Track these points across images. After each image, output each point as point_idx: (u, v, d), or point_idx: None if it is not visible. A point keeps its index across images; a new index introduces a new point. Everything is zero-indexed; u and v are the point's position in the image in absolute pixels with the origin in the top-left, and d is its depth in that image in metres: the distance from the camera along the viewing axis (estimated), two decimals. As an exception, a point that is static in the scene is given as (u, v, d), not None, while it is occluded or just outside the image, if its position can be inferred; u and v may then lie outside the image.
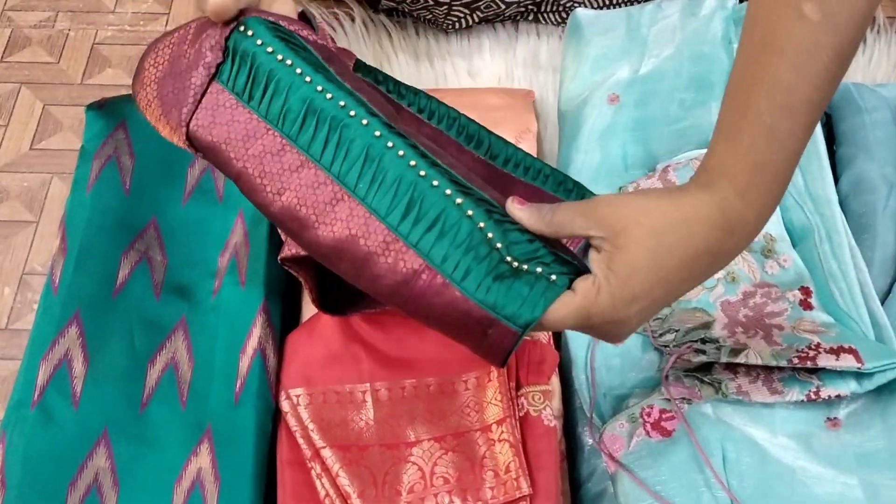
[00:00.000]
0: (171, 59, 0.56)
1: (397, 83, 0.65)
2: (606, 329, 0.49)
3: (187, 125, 0.53)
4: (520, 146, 0.79)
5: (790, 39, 0.46)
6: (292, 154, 0.51)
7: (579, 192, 0.69)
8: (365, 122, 0.51)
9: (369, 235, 0.49)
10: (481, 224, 0.48)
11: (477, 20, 0.92)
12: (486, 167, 0.67)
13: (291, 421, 0.67)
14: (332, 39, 0.63)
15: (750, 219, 0.48)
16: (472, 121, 0.66)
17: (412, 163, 0.50)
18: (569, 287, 0.48)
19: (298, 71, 0.52)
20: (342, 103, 0.51)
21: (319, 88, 0.51)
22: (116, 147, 0.79)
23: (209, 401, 0.68)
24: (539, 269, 0.48)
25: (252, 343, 0.69)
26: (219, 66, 0.53)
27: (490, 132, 0.66)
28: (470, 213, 0.49)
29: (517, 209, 0.49)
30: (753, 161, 0.47)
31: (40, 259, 0.85)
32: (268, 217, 0.53)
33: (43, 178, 0.89)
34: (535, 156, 0.77)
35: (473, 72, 0.92)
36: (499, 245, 0.48)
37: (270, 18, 0.54)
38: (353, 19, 0.93)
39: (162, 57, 0.56)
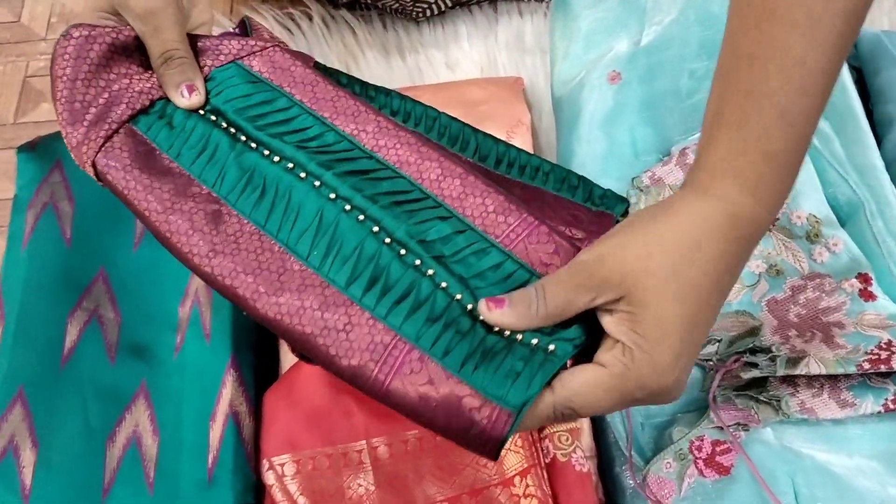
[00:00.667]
0: (97, 62, 0.49)
1: (365, 85, 0.56)
2: (654, 400, 0.39)
3: (95, 154, 0.48)
4: (512, 142, 0.69)
5: (798, 5, 0.39)
6: (229, 217, 0.46)
7: (586, 189, 0.58)
8: (317, 183, 0.46)
9: (328, 308, 0.42)
10: (458, 296, 0.42)
11: (450, 5, 0.81)
12: (475, 168, 0.57)
13: (278, 495, 0.57)
14: (282, 44, 0.53)
15: (763, 218, 0.41)
16: (454, 119, 0.56)
17: (375, 229, 0.44)
18: (581, 357, 0.39)
19: (232, 130, 0.48)
20: (290, 165, 0.47)
21: (266, 153, 0.47)
22: (53, 192, 0.69)
23: (180, 480, 0.58)
24: (535, 340, 0.39)
25: (223, 407, 0.59)
26: (144, 110, 0.49)
27: (476, 130, 0.56)
28: (444, 284, 0.42)
29: (496, 315, 0.40)
30: (764, 151, 0.40)
31: (-20, 328, 0.75)
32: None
33: (-22, 235, 0.79)
34: (531, 151, 0.67)
35: (452, 63, 0.81)
36: (470, 306, 0.42)
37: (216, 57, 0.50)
38: (310, 18, 0.83)
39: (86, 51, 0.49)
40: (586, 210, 0.56)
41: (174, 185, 0.46)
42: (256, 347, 0.64)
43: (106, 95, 0.49)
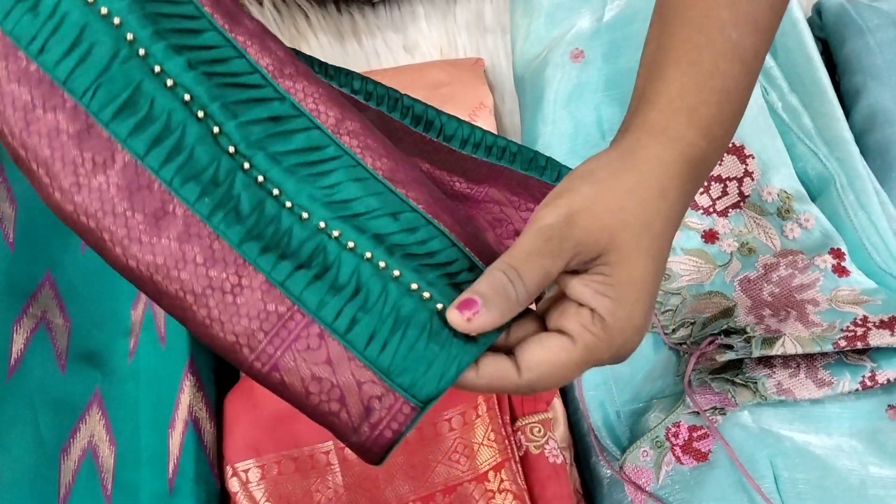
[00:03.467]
0: None
1: (323, 64, 0.52)
2: (619, 359, 0.37)
3: None
4: (476, 124, 0.66)
5: None
6: (100, 140, 0.37)
7: (553, 169, 0.56)
8: (216, 129, 0.38)
9: (215, 264, 0.36)
10: (368, 255, 0.37)
11: (406, -15, 0.78)
12: (438, 148, 0.55)
13: (244, 503, 0.55)
14: None
15: (713, 158, 0.39)
16: (417, 100, 0.53)
17: (275, 192, 0.38)
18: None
19: (118, 24, 0.37)
20: (187, 98, 0.38)
21: (157, 70, 0.38)
22: (-8, 194, 0.66)
23: (139, 492, 0.56)
24: (443, 308, 0.35)
25: (181, 414, 0.57)
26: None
27: (440, 112, 0.53)
28: (351, 245, 0.37)
29: (476, 321, 0.34)
30: (717, 88, 0.38)
31: (-77, 339, 0.71)
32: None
33: (-85, 242, 0.75)
34: (496, 133, 0.65)
35: (410, 45, 0.78)
36: (396, 273, 0.37)
37: None
38: (260, 2, 0.80)
39: None
40: (543, 184, 0.54)
41: (32, 91, 0.37)
42: (215, 349, 0.62)
43: None
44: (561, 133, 0.68)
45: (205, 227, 0.37)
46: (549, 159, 0.54)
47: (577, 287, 0.35)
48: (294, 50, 0.51)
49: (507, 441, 0.55)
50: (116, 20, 0.37)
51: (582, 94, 0.69)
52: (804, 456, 0.51)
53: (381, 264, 0.37)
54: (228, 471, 0.56)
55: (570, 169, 0.52)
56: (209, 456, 0.56)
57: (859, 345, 0.51)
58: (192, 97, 0.38)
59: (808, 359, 0.54)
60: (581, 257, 0.35)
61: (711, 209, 0.61)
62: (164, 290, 0.37)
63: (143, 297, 0.62)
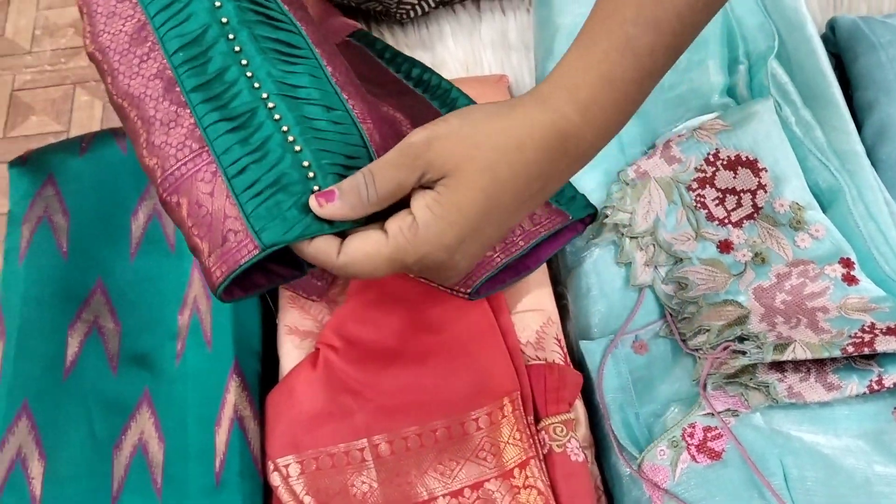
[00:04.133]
0: None
1: (395, 52, 0.68)
2: (428, 275, 0.43)
3: None
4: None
5: None
6: (129, 4, 0.49)
7: (567, 188, 0.62)
8: (217, 4, 0.48)
9: (161, 100, 0.47)
10: (284, 128, 0.46)
11: (433, 5, 0.82)
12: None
13: (284, 496, 0.59)
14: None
15: (588, 138, 0.43)
16: (464, 95, 0.66)
17: (243, 62, 0.47)
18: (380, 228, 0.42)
19: None
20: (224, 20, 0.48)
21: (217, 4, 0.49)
22: (47, 206, 0.70)
23: (187, 486, 0.59)
24: (319, 189, 0.43)
25: (227, 412, 0.60)
26: None
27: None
28: (277, 117, 0.46)
29: (328, 209, 0.42)
30: (602, 73, 0.42)
31: (-19, 342, 0.76)
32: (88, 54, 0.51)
33: (-26, 251, 0.80)
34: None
35: (437, 63, 0.82)
36: (298, 149, 0.45)
37: None
38: (295, 23, 0.83)
39: None
40: (545, 205, 0.59)
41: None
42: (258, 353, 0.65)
43: None
44: (582, 147, 0.71)
45: (171, 74, 0.47)
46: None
47: (414, 197, 0.41)
48: (372, 37, 0.68)
49: (531, 440, 0.58)
50: None
51: (602, 109, 0.72)
52: (813, 455, 0.54)
53: (290, 138, 0.45)
54: (270, 466, 0.59)
55: (575, 189, 0.57)
56: (253, 452, 0.60)
57: (867, 350, 0.54)
58: None
59: (818, 364, 0.56)
60: (429, 176, 0.40)
61: (726, 220, 0.64)
62: (126, 115, 0.48)
63: (189, 303, 0.66)
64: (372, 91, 0.64)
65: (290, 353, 0.64)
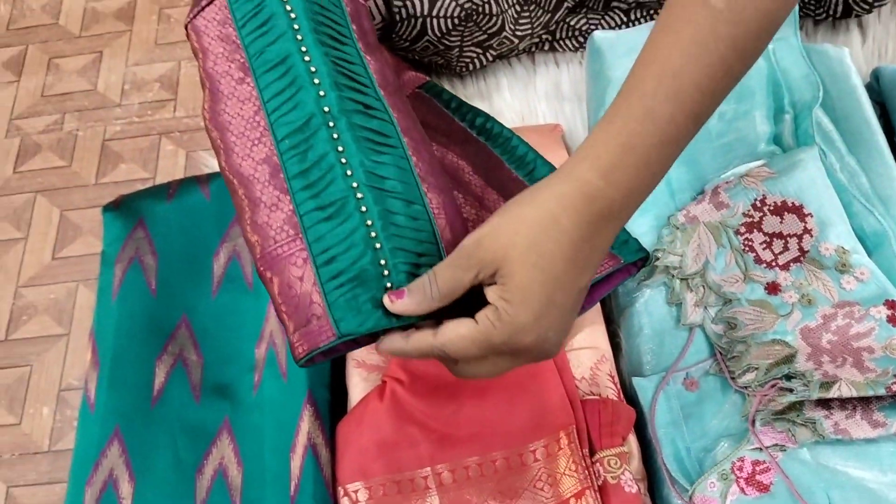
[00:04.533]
0: None
1: (461, 101, 0.73)
2: (527, 357, 0.48)
3: (189, 21, 0.60)
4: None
5: (688, 24, 0.46)
6: (248, 86, 0.55)
7: (620, 233, 0.65)
8: (322, 93, 0.54)
9: (267, 185, 0.53)
10: (369, 222, 0.50)
11: (491, 59, 0.87)
12: (518, 185, 0.68)
13: (353, 520, 0.63)
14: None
15: (615, 198, 0.46)
16: (523, 142, 0.70)
17: (339, 148, 0.52)
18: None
19: (296, 27, 0.56)
20: (313, 69, 0.54)
21: (303, 49, 0.55)
22: (138, 247, 0.76)
23: (264, 508, 0.64)
24: (391, 287, 0.49)
25: (301, 440, 0.65)
26: None
27: (538, 155, 0.69)
28: (364, 209, 0.51)
29: (398, 305, 0.48)
30: (623, 142, 0.46)
31: (75, 373, 0.82)
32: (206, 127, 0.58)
33: (69, 288, 0.87)
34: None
35: (494, 112, 0.87)
36: (378, 246, 0.50)
37: None
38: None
39: None
40: None
41: (226, 49, 0.58)
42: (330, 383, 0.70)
43: None
44: (633, 192, 0.75)
45: (278, 161, 0.53)
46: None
47: (489, 290, 0.46)
48: (431, 84, 0.73)
49: (587, 471, 0.61)
50: (292, 14, 0.56)
51: (652, 156, 0.76)
52: (859, 490, 0.56)
53: (373, 234, 0.50)
54: (340, 491, 0.64)
55: (627, 233, 0.62)
56: (325, 477, 0.64)
57: (911, 389, 0.56)
58: (315, 69, 0.55)
59: (864, 401, 0.59)
60: (486, 270, 0.46)
61: (774, 263, 0.67)
62: (234, 190, 0.54)
63: (266, 337, 0.72)
64: (438, 140, 0.69)
65: (358, 385, 0.69)
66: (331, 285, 0.49)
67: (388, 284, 0.50)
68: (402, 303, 0.48)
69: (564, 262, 0.45)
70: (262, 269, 0.52)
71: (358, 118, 0.54)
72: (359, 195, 0.51)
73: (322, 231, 0.51)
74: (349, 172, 0.52)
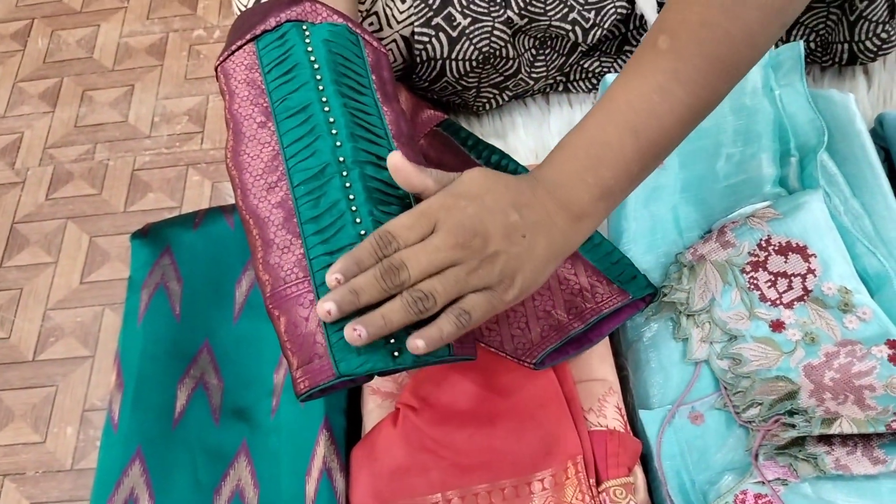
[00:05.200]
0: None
1: (477, 139, 0.78)
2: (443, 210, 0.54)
3: (219, 63, 0.63)
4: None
5: (635, 60, 0.56)
6: (269, 131, 0.58)
7: (621, 266, 0.70)
8: (339, 143, 0.57)
9: (281, 228, 0.55)
10: None
11: (507, 98, 0.91)
12: None
13: (366, 543, 0.64)
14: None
15: (548, 174, 0.57)
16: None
17: (351, 196, 0.56)
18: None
19: (318, 77, 0.59)
20: (332, 119, 0.58)
21: (324, 99, 0.59)
22: (164, 274, 0.79)
23: (280, 530, 0.66)
24: (392, 339, 0.52)
25: (317, 464, 0.67)
26: (265, 32, 0.62)
27: None
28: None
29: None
30: (561, 144, 0.58)
31: (99, 394, 0.85)
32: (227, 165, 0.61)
33: (95, 312, 0.90)
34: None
35: (510, 150, 0.90)
36: None
37: (339, 21, 0.64)
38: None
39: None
40: (608, 283, 0.66)
41: (251, 93, 0.61)
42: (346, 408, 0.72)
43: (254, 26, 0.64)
44: (642, 229, 0.77)
45: (292, 205, 0.56)
46: (623, 257, 0.71)
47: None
48: (449, 121, 0.77)
49: (593, 501, 0.63)
50: (316, 65, 0.60)
51: (661, 195, 0.78)
52: (859, 525, 0.57)
53: None
54: (354, 515, 0.66)
55: (636, 269, 0.66)
56: (339, 501, 0.66)
57: (911, 427, 0.58)
58: (334, 119, 0.58)
59: (865, 438, 0.60)
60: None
61: (778, 301, 0.69)
62: (249, 230, 0.57)
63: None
64: None
65: (373, 411, 0.71)
66: (333, 327, 0.52)
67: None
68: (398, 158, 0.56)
69: (505, 190, 0.55)
70: (270, 306, 0.55)
71: (370, 169, 0.57)
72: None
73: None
74: (358, 220, 0.55)
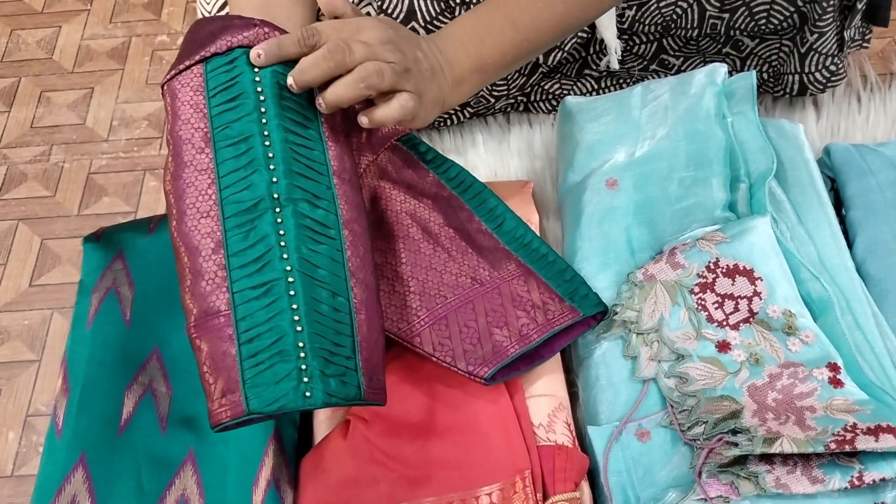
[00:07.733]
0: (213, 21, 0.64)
1: (436, 154, 0.78)
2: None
3: (165, 81, 0.62)
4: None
5: None
6: (207, 157, 0.58)
7: (573, 284, 0.71)
8: (275, 179, 0.57)
9: (209, 258, 0.55)
10: (295, 305, 0.54)
11: (468, 115, 0.92)
12: (486, 236, 0.73)
13: (311, 555, 0.64)
14: None
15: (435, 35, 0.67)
16: (494, 196, 0.75)
17: (281, 232, 0.56)
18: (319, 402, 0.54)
19: (263, 110, 0.59)
20: (271, 154, 0.58)
21: (266, 133, 0.59)
22: (115, 279, 0.78)
23: (224, 541, 0.65)
24: (304, 366, 0.53)
25: (265, 474, 0.67)
26: (215, 55, 0.61)
27: (511, 213, 0.75)
28: (292, 293, 0.55)
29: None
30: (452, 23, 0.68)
31: (44, 399, 0.83)
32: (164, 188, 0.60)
33: (44, 315, 0.88)
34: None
35: (469, 167, 0.90)
36: (299, 329, 0.54)
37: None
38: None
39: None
40: (560, 301, 0.67)
41: (194, 116, 0.60)
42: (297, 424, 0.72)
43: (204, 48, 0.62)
44: (595, 249, 0.78)
45: (221, 237, 0.56)
46: (575, 275, 0.72)
47: None
48: (408, 136, 0.77)
49: (539, 515, 0.63)
50: (262, 97, 0.59)
51: (614, 216, 0.79)
52: (797, 541, 0.59)
53: (297, 317, 0.54)
54: (300, 527, 0.65)
55: (588, 287, 0.67)
56: (286, 512, 0.65)
57: (848, 448, 0.59)
58: (273, 154, 0.58)
59: (804, 458, 0.62)
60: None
61: (724, 323, 0.71)
62: (179, 257, 0.57)
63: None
64: (412, 191, 0.73)
65: (323, 422, 0.71)
66: (249, 363, 0.52)
67: (304, 367, 0.53)
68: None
69: (411, 34, 0.64)
70: (193, 335, 0.55)
71: (304, 206, 0.58)
72: (290, 279, 0.55)
73: (251, 309, 0.54)
74: (285, 256, 0.55)
